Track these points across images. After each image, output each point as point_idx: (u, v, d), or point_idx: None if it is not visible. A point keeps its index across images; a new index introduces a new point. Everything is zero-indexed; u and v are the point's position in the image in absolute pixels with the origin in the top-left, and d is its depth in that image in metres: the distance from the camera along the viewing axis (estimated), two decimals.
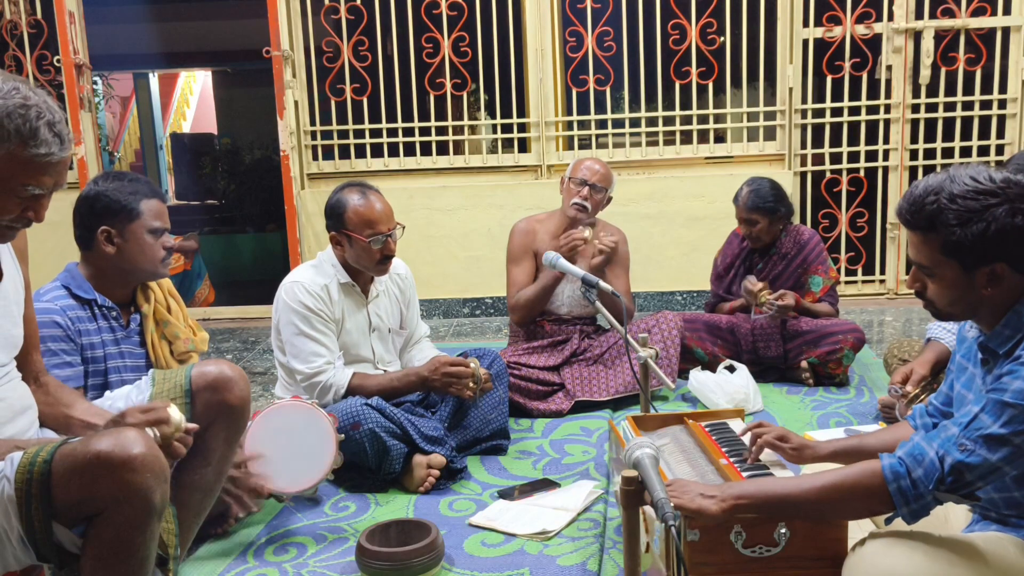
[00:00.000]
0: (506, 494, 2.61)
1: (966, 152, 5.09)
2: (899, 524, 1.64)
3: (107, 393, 2.17)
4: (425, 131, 5.32)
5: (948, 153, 5.12)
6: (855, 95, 5.13)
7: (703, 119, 5.21)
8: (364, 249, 2.73)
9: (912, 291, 1.64)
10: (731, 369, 3.42)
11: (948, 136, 5.12)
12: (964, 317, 1.61)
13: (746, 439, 1.98)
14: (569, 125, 5.33)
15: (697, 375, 3.38)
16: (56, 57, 5.15)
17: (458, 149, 5.36)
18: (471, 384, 2.75)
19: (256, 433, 2.35)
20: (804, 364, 3.57)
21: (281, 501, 2.51)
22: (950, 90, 5.10)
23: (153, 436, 1.59)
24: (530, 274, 3.50)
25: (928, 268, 1.56)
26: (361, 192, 2.77)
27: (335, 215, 2.76)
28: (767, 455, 1.95)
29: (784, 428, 1.93)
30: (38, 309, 2.10)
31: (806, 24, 5.02)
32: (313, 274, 2.79)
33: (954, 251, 1.50)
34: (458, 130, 5.34)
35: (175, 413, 1.67)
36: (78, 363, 2.14)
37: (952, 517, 1.75)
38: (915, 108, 5.10)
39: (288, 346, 2.74)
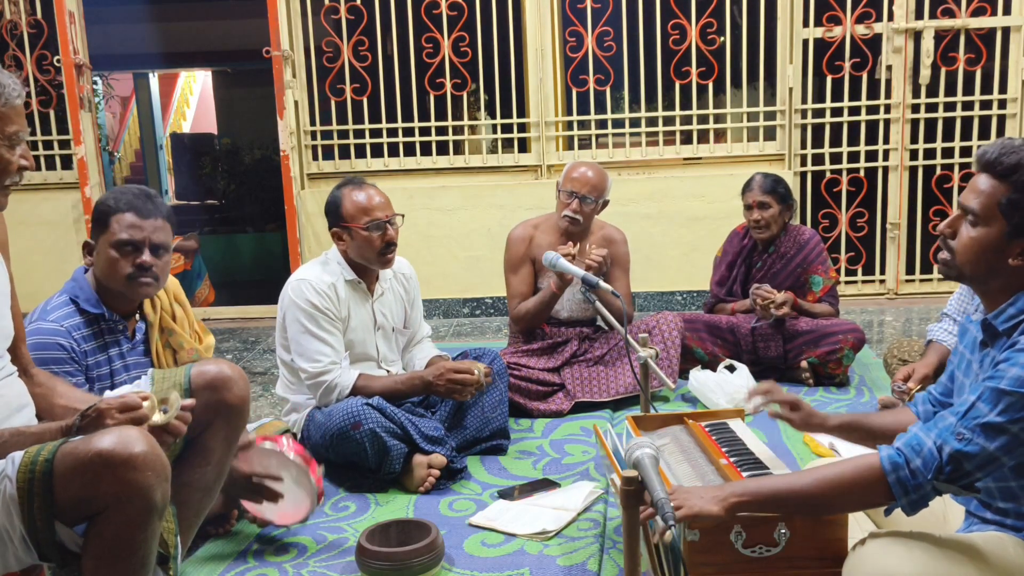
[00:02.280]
0: (506, 494, 2.61)
1: (966, 152, 5.09)
2: (899, 519, 1.65)
3: (107, 392, 2.17)
4: (425, 131, 5.32)
5: (948, 153, 5.12)
6: (855, 95, 5.13)
7: (703, 119, 5.21)
8: (364, 239, 2.72)
9: (940, 233, 1.63)
10: (731, 369, 3.42)
11: (948, 136, 5.12)
12: (975, 280, 1.60)
13: (753, 402, 1.96)
14: (569, 125, 5.34)
15: (697, 375, 3.38)
16: (56, 57, 5.15)
17: (458, 149, 5.36)
18: (473, 391, 2.77)
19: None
20: (804, 364, 3.57)
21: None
22: (950, 90, 5.10)
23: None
24: (529, 282, 3.49)
25: (976, 215, 1.54)
26: (356, 184, 2.80)
27: (333, 211, 2.78)
28: (766, 454, 1.95)
29: (796, 396, 1.92)
30: (44, 329, 2.09)
31: (806, 24, 5.02)
32: (320, 272, 2.78)
33: (1011, 209, 1.50)
34: (458, 130, 5.34)
35: (149, 407, 1.64)
36: (83, 382, 2.13)
37: (951, 516, 1.75)
38: (915, 108, 5.10)
39: (294, 344, 2.74)
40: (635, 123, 5.33)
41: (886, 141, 5.15)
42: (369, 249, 2.74)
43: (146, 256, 2.15)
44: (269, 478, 2.21)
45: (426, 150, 5.38)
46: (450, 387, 2.74)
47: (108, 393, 2.15)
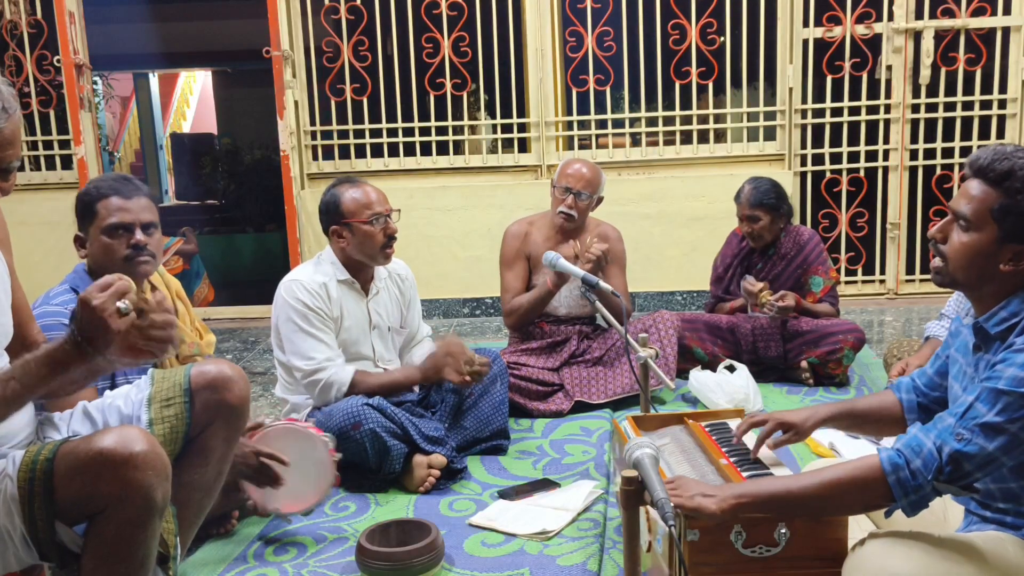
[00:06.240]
0: (506, 494, 2.60)
1: (966, 152, 5.08)
2: (899, 520, 1.65)
3: (107, 392, 2.17)
4: (425, 131, 5.32)
5: (948, 153, 5.12)
6: (855, 95, 5.13)
7: (703, 119, 5.21)
8: (367, 234, 2.75)
9: (932, 238, 1.62)
10: (731, 369, 3.42)
11: (948, 136, 5.12)
12: (967, 286, 1.60)
13: (747, 439, 1.97)
14: (569, 125, 5.33)
15: (697, 375, 3.37)
16: (56, 57, 5.15)
17: (458, 149, 5.36)
18: (466, 366, 2.73)
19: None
20: (804, 364, 3.57)
21: (280, 517, 2.49)
22: (950, 90, 5.10)
23: (126, 308, 1.47)
24: (523, 278, 3.49)
25: (968, 221, 1.54)
26: (351, 183, 2.84)
27: (331, 210, 2.80)
28: (766, 454, 1.95)
29: (775, 414, 1.92)
30: (47, 312, 2.10)
31: (806, 24, 5.02)
32: (312, 272, 2.80)
33: (1004, 215, 1.50)
34: (458, 130, 5.34)
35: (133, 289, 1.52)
36: None
37: (951, 516, 1.75)
38: (915, 108, 5.10)
39: (288, 344, 2.74)
40: (635, 123, 5.34)
41: (886, 141, 5.15)
42: (372, 243, 2.76)
43: (139, 235, 2.18)
44: (276, 460, 2.19)
45: (426, 150, 5.38)
46: (444, 360, 2.74)
47: (108, 392, 2.15)
